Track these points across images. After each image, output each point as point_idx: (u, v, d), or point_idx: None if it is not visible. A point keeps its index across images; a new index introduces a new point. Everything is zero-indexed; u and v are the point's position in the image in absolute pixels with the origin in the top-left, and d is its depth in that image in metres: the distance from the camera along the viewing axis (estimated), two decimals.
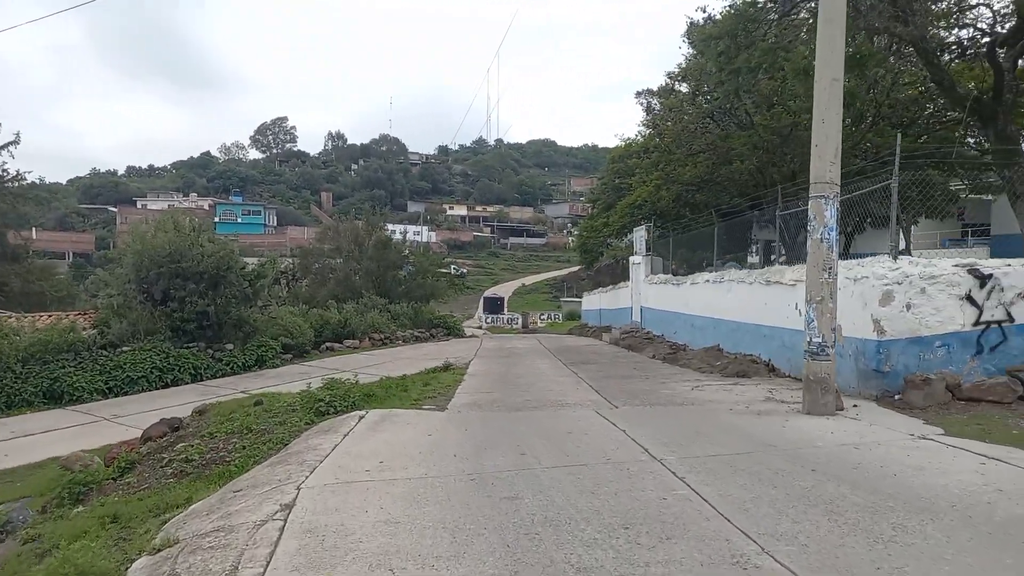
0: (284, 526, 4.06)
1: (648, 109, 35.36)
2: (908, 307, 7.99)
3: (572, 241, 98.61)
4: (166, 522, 4.85)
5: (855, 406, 7.51)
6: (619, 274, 32.06)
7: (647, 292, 20.70)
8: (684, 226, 23.46)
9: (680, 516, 4.03)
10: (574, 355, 16.96)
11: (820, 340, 7.01)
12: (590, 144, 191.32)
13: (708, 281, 14.70)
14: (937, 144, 16.05)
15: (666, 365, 13.67)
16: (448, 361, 16.14)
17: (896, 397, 7.85)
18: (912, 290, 8.01)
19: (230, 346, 19.27)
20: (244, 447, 6.83)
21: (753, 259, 29.01)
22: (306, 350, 21.27)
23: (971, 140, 17.23)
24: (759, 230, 28.83)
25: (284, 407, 9.18)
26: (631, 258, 23.09)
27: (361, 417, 7.51)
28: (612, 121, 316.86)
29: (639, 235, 22.33)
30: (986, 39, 10.97)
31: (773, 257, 32.19)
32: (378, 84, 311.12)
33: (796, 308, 10.20)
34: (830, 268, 7.03)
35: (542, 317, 68.17)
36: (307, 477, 5.13)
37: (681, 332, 16.93)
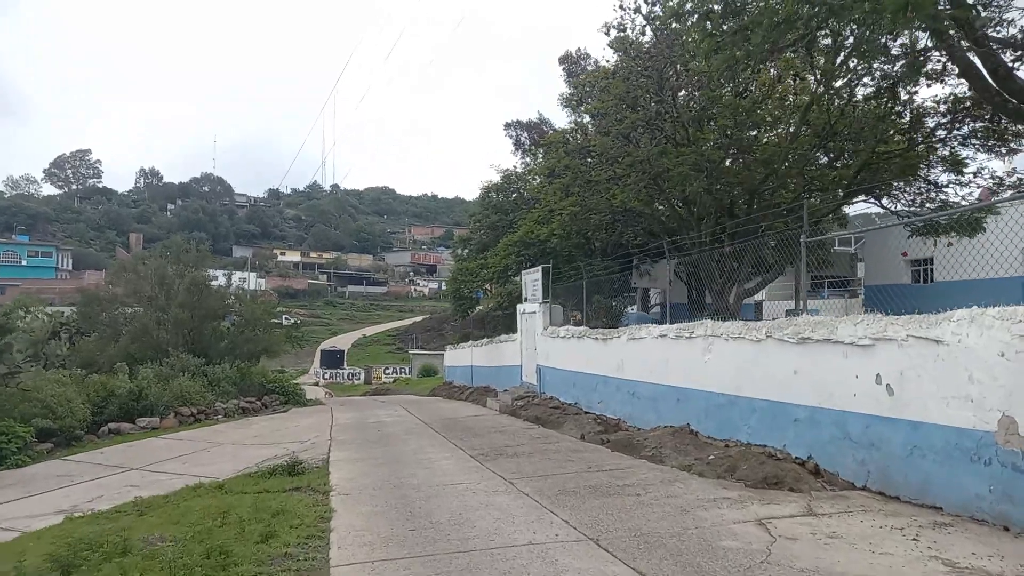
0: None
1: (517, 143, 32.41)
2: None
3: (442, 287, 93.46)
4: None
5: None
6: (489, 325, 27.95)
7: (548, 348, 16.69)
8: (575, 268, 19.98)
9: None
10: (473, 437, 12.42)
11: None
12: (430, 194, 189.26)
13: (664, 336, 10.90)
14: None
15: (625, 458, 9.55)
16: (293, 455, 11.10)
17: None
18: None
19: None
20: None
21: (630, 309, 26.20)
22: (77, 435, 14.98)
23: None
24: (639, 278, 26.21)
25: None
26: (521, 306, 19.08)
27: None
28: (452, 172, 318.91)
29: (532, 278, 18.42)
30: None
31: (650, 304, 29.86)
32: (200, 121, 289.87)
33: (879, 382, 6.51)
34: None
35: (387, 371, 62.70)
36: None
37: (611, 403, 12.99)
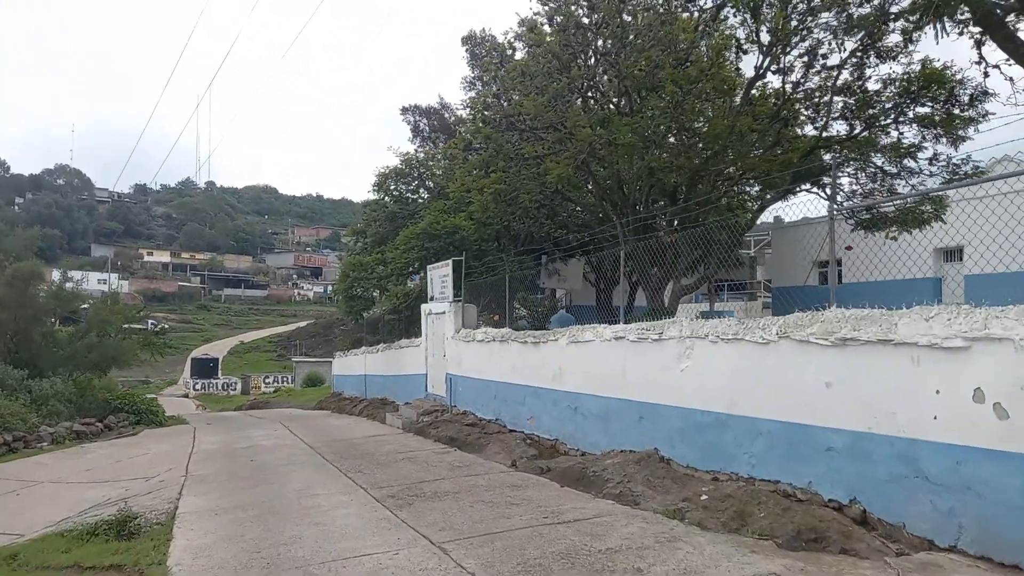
0: None
1: (416, 129, 29.72)
2: None
3: (328, 291, 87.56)
4: None
5: None
6: (384, 329, 25.13)
7: (461, 354, 14.28)
8: (486, 265, 17.75)
9: None
10: (376, 467, 9.81)
11: None
12: (315, 194, 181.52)
13: (621, 338, 8.78)
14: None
15: (584, 497, 7.32)
16: (125, 503, 8.21)
17: None
18: None
19: None
20: None
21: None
22: None
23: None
24: (547, 277, 24.35)
25: None
26: (427, 306, 16.53)
27: None
28: (338, 172, 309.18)
29: (440, 274, 15.95)
30: None
31: (562, 306, 28.04)
32: (55, 107, 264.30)
33: (979, 399, 4.63)
34: None
35: (267, 381, 58.00)
36: None
37: (545, 419, 10.77)
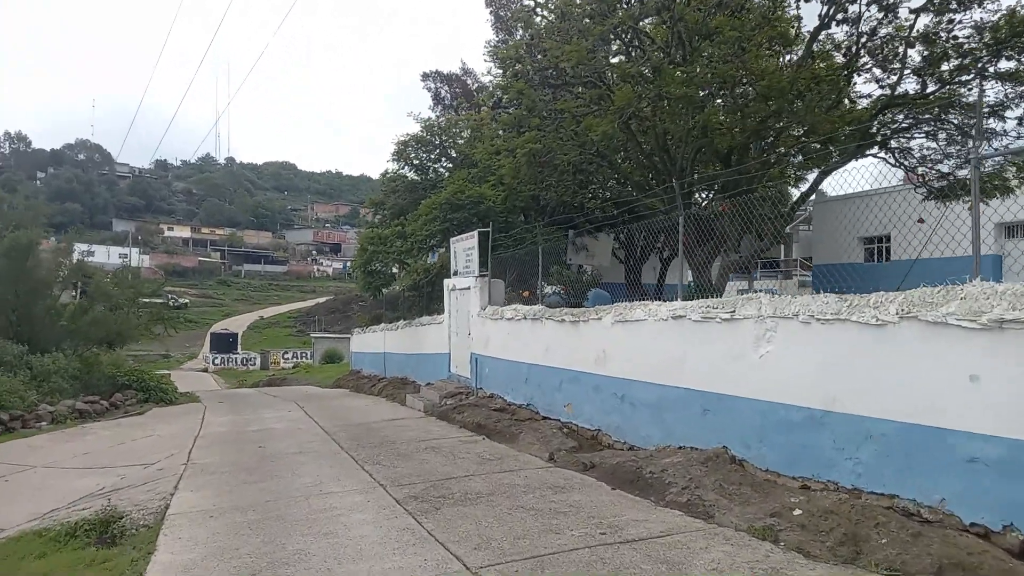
0: None
1: (437, 96, 28.36)
2: None
3: (347, 267, 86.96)
4: None
5: None
6: (404, 305, 24.06)
7: (487, 332, 13.12)
8: (512, 237, 16.51)
9: None
10: (397, 459, 8.71)
11: None
12: (334, 170, 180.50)
13: (680, 317, 7.54)
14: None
15: (643, 505, 6.16)
16: (108, 500, 7.23)
17: None
18: None
19: None
20: None
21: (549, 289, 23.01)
22: None
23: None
24: (575, 253, 23.13)
25: None
26: (450, 281, 15.38)
27: None
28: (357, 149, 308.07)
29: (464, 247, 14.79)
30: None
31: (592, 283, 26.75)
32: (76, 82, 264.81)
33: None
34: None
35: (285, 356, 57.49)
36: None
37: (585, 407, 9.59)
